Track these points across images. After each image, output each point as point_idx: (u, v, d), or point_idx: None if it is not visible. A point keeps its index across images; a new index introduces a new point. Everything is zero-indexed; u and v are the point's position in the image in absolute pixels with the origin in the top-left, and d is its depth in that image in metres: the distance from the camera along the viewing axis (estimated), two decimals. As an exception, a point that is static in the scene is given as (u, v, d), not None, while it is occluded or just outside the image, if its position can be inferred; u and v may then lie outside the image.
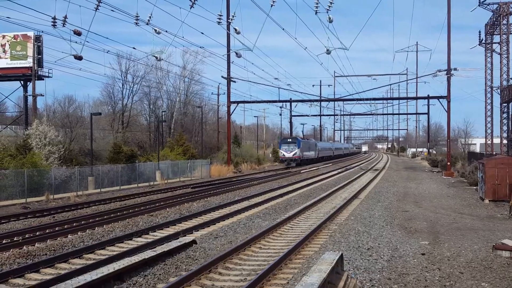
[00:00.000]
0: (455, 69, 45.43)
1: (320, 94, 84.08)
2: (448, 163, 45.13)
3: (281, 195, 25.10)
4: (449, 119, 46.78)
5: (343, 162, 76.95)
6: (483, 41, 50.01)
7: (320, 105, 77.44)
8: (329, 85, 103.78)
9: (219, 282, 9.51)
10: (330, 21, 24.29)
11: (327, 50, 29.08)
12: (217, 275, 9.95)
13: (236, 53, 33.58)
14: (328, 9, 23.35)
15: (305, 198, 23.84)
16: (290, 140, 61.22)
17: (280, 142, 63.55)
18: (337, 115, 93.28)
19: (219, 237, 14.08)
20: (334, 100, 68.84)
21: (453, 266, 10.59)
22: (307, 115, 76.74)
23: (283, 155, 60.61)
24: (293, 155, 59.80)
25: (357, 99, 56.96)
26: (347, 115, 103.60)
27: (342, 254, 9.75)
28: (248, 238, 13.07)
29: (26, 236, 14.61)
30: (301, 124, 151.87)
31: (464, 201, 23.21)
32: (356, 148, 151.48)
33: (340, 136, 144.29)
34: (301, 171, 48.61)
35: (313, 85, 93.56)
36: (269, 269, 9.70)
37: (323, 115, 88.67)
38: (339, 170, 49.80)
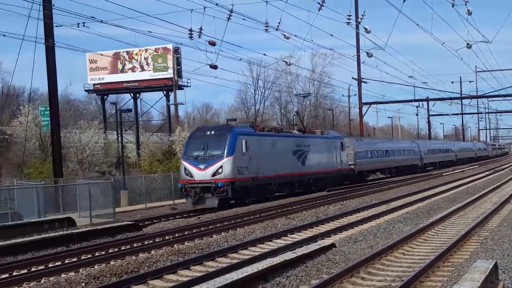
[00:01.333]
0: None
1: (461, 91, 78.47)
2: None
3: (422, 199, 23.86)
4: None
5: (491, 163, 70.84)
6: None
7: (462, 102, 72.14)
8: (470, 81, 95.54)
9: (361, 287, 9.32)
10: (469, 13, 22.83)
11: (467, 44, 27.32)
12: (360, 279, 9.75)
13: (367, 53, 32.87)
14: (466, 1, 21.93)
15: (449, 203, 22.37)
16: (213, 132, 24.30)
17: (187, 140, 26.23)
18: (481, 113, 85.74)
19: (358, 241, 13.79)
20: (477, 97, 63.74)
21: None
22: (447, 114, 71.96)
23: (187, 173, 23.55)
24: (213, 175, 22.75)
25: (504, 95, 51.97)
26: (492, 113, 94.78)
27: (496, 263, 8.99)
28: (390, 243, 12.60)
29: (176, 235, 15.76)
30: (440, 123, 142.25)
31: None
32: (495, 148, 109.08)
33: (486, 136, 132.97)
34: (443, 174, 45.96)
35: (452, 82, 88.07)
36: (415, 275, 9.25)
37: (465, 113, 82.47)
38: (487, 173, 46.22)
